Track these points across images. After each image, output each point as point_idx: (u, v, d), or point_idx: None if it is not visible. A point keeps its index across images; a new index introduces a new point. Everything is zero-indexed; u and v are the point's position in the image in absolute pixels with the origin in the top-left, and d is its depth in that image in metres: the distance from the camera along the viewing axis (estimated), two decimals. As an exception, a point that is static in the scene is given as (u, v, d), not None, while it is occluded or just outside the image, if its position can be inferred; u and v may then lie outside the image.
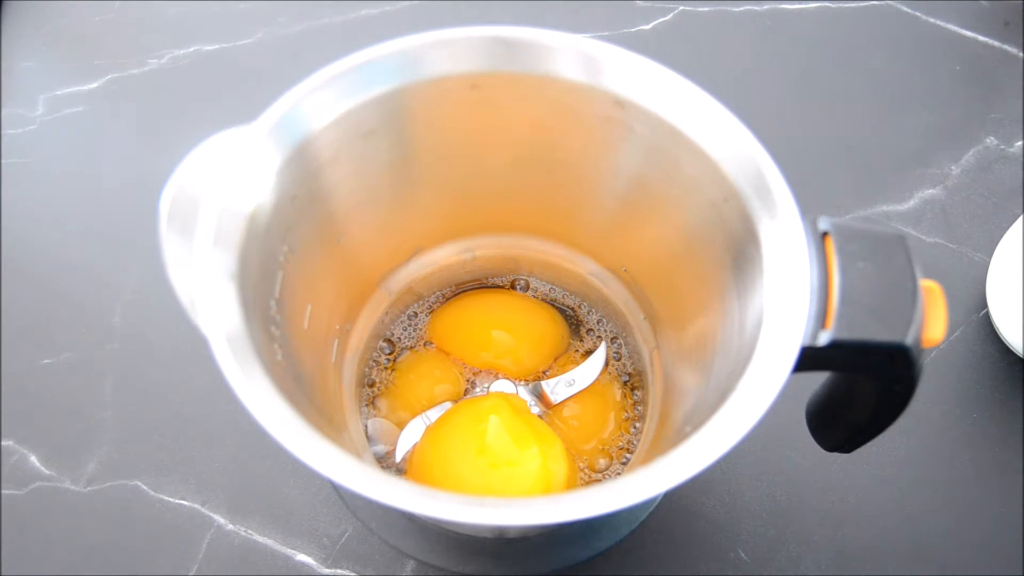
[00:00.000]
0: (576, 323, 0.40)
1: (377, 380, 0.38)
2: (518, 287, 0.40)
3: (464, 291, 0.40)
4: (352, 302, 0.35)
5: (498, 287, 0.41)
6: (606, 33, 0.53)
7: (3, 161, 0.49)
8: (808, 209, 0.23)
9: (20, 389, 0.42)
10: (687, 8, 0.54)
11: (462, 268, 0.39)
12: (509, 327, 0.38)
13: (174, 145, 0.26)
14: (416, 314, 0.39)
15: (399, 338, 0.39)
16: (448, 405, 0.37)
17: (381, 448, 0.36)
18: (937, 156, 0.49)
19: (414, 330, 0.39)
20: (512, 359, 0.38)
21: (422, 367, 0.38)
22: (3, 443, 0.40)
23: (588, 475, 0.36)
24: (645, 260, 0.34)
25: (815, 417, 0.31)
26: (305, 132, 0.25)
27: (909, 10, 0.54)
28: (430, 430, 0.35)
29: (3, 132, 0.50)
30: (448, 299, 0.40)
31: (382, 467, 0.36)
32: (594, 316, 0.40)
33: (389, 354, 0.38)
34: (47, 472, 0.40)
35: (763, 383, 0.21)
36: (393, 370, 0.38)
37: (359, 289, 0.36)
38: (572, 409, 0.37)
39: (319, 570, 0.37)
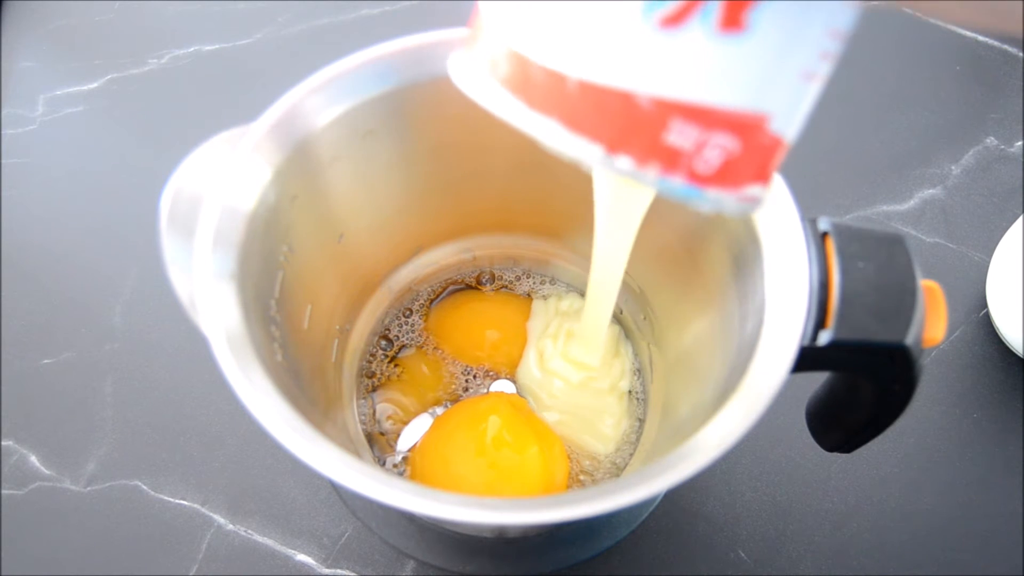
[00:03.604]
0: (576, 323, 0.40)
1: (377, 372, 0.38)
2: (517, 289, 0.40)
3: (461, 290, 0.40)
4: (352, 302, 0.35)
5: (500, 287, 0.41)
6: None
7: (3, 161, 0.49)
8: (808, 209, 0.23)
9: (20, 389, 0.42)
10: (687, 8, 0.53)
11: (462, 268, 0.39)
12: (507, 327, 0.38)
13: (174, 145, 0.26)
14: (413, 312, 0.39)
15: (396, 336, 0.39)
16: (448, 405, 0.37)
17: (381, 443, 0.36)
18: (937, 156, 0.48)
19: (412, 329, 0.39)
20: (510, 359, 0.38)
21: (422, 366, 0.38)
22: (3, 443, 0.40)
23: (587, 475, 0.36)
24: (645, 260, 0.34)
25: (815, 417, 0.31)
26: (305, 132, 0.25)
27: (909, 10, 0.54)
28: (430, 430, 0.35)
29: (3, 132, 0.50)
30: (445, 298, 0.40)
31: (382, 466, 0.36)
32: (594, 316, 0.40)
33: (388, 351, 0.38)
34: (47, 472, 0.40)
35: (763, 383, 0.21)
36: (396, 365, 0.38)
37: (359, 289, 0.36)
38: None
39: (319, 570, 0.37)
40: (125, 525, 0.38)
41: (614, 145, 0.17)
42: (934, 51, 0.52)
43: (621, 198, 0.25)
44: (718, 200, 0.18)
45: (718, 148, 0.17)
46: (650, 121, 0.16)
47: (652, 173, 0.17)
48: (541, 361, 0.36)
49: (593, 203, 0.27)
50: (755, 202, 0.18)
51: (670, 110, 0.16)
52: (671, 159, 0.17)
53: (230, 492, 0.39)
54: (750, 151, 0.17)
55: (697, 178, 0.17)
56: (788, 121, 0.17)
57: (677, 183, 0.17)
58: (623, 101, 0.16)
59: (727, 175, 0.17)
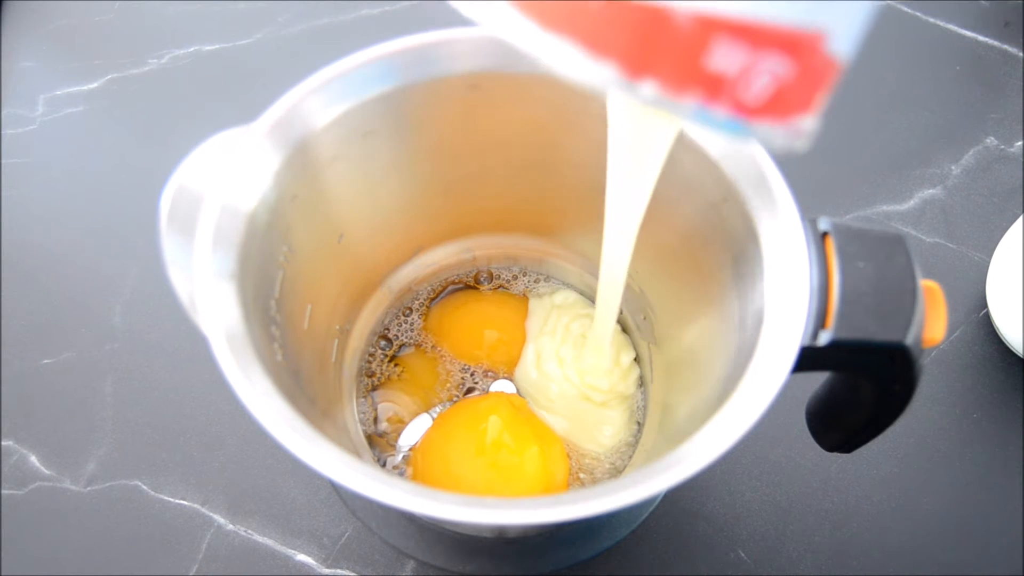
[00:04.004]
0: (576, 323, 0.40)
1: (377, 371, 0.38)
2: (514, 287, 0.40)
3: (460, 289, 0.40)
4: (353, 302, 0.35)
5: (499, 287, 0.41)
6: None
7: (3, 161, 0.49)
8: (808, 209, 0.23)
9: (20, 389, 0.42)
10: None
11: (462, 268, 0.39)
12: (506, 326, 0.38)
13: (174, 145, 0.26)
14: (413, 311, 0.39)
15: (396, 335, 0.39)
16: (448, 404, 0.37)
17: (384, 431, 0.36)
18: (937, 156, 0.48)
19: (411, 327, 0.39)
20: (510, 358, 0.38)
21: (422, 366, 0.38)
22: (3, 443, 0.40)
23: (588, 474, 0.36)
24: (645, 260, 0.34)
25: (815, 417, 0.31)
26: (305, 132, 0.25)
27: (909, 10, 0.54)
28: (430, 430, 0.35)
29: (3, 132, 0.50)
30: (444, 298, 0.40)
31: (382, 466, 0.36)
32: (594, 316, 0.40)
33: (388, 351, 0.38)
34: (47, 472, 0.40)
35: (763, 383, 0.21)
36: (396, 364, 0.38)
37: (360, 289, 0.36)
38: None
39: (319, 570, 0.37)
40: (125, 525, 0.38)
41: (642, 70, 0.14)
42: (934, 51, 0.52)
43: (641, 136, 0.22)
44: (767, 135, 0.15)
45: (768, 73, 0.14)
46: (689, 41, 0.14)
47: (690, 103, 0.15)
48: (538, 362, 0.36)
49: (597, 203, 0.27)
50: (806, 136, 0.16)
51: (713, 28, 0.14)
52: (713, 86, 0.14)
53: (230, 492, 0.39)
54: (803, 76, 0.15)
55: (744, 109, 0.15)
56: (845, 40, 0.15)
57: (720, 115, 0.15)
58: (655, 18, 0.14)
59: (777, 105, 0.15)
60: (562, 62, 0.15)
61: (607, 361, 0.35)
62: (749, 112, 0.15)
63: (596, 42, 0.14)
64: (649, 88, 0.15)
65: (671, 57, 0.14)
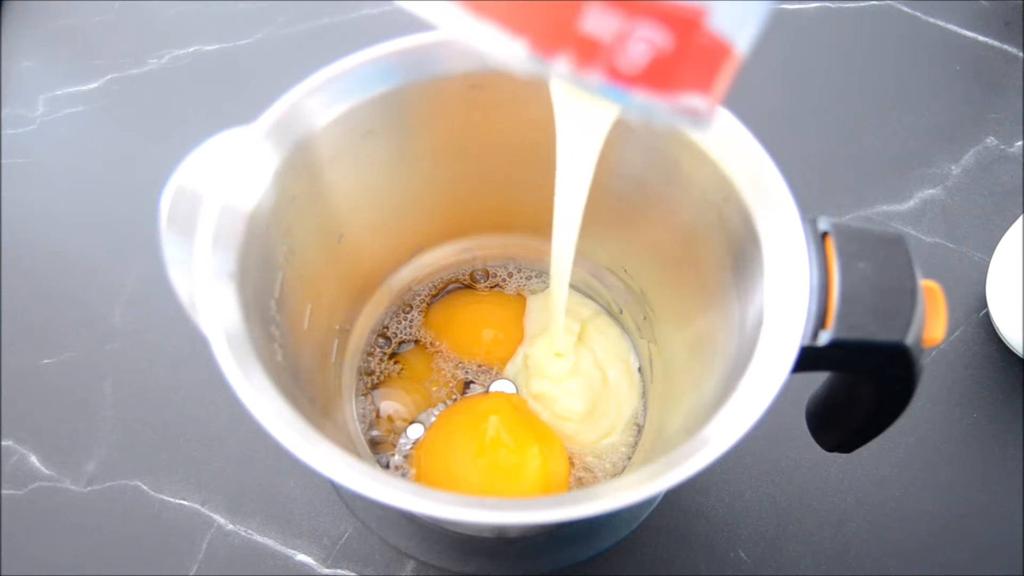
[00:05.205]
0: (576, 323, 0.40)
1: (377, 370, 0.38)
2: (510, 288, 0.40)
3: (458, 288, 0.40)
4: (352, 302, 0.35)
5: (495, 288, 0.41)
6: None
7: (3, 161, 0.49)
8: (808, 209, 0.23)
9: (20, 389, 0.42)
10: (687, 8, 0.53)
11: (461, 267, 0.39)
12: (506, 325, 0.38)
13: (174, 145, 0.26)
14: (413, 308, 0.39)
15: (395, 333, 0.39)
16: (448, 403, 0.37)
17: (379, 433, 0.36)
18: (937, 156, 0.48)
19: (410, 325, 0.39)
20: (510, 356, 0.38)
21: (422, 364, 0.38)
22: (3, 443, 0.40)
23: (588, 472, 0.36)
24: (645, 260, 0.34)
25: (815, 417, 0.31)
26: (305, 132, 0.25)
27: (909, 10, 0.54)
28: (430, 430, 0.35)
29: (3, 132, 0.50)
30: (443, 297, 0.40)
31: (384, 466, 0.36)
32: (594, 316, 0.40)
33: (387, 349, 0.38)
34: (47, 472, 0.40)
35: (763, 383, 0.21)
36: (396, 362, 0.38)
37: (360, 289, 0.36)
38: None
39: (319, 570, 0.37)
40: (125, 525, 0.38)
41: (519, 29, 0.15)
42: (934, 51, 0.52)
43: (577, 113, 0.22)
44: (647, 106, 0.16)
45: (644, 41, 0.15)
46: (562, 5, 0.14)
47: (562, 66, 0.15)
48: (528, 360, 0.37)
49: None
50: (694, 115, 0.16)
51: None
52: (587, 51, 0.15)
53: (230, 492, 0.39)
54: (686, 51, 0.15)
55: (619, 76, 0.15)
56: (732, 22, 0.15)
57: (594, 80, 0.15)
58: None
59: (656, 76, 0.15)
60: (443, 23, 0.16)
61: (560, 344, 0.35)
62: (625, 80, 0.15)
63: (477, 5, 0.15)
64: (523, 49, 0.15)
65: (546, 19, 0.15)
